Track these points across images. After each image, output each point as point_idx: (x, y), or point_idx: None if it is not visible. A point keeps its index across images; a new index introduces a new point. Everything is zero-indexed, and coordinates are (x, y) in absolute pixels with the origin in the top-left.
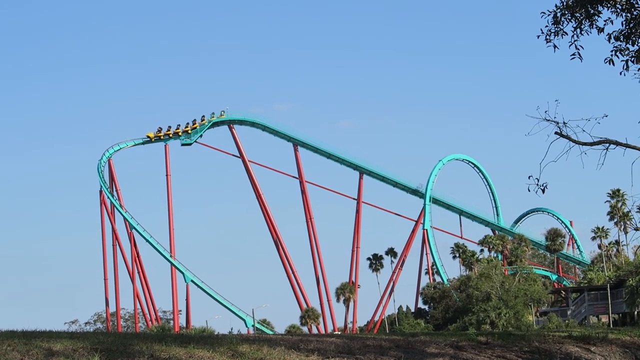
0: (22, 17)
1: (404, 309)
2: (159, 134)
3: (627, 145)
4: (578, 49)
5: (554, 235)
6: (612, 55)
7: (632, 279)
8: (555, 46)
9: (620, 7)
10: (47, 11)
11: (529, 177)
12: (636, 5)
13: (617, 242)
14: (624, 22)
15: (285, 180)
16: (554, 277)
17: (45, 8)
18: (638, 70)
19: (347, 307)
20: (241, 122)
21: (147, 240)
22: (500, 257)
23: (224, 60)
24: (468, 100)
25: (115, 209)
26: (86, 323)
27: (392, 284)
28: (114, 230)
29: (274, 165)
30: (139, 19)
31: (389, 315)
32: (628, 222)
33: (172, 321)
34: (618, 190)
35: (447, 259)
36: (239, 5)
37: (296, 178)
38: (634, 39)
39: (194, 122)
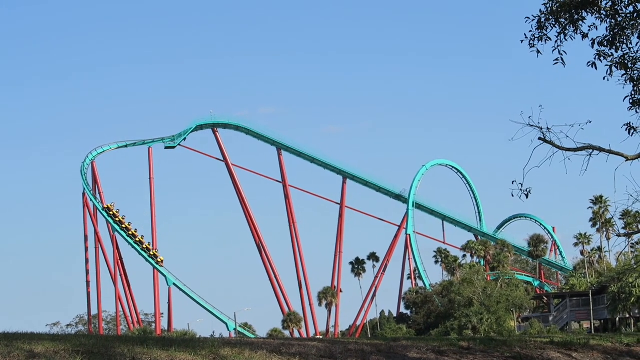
0: (4, 23)
1: (386, 313)
2: None
3: (610, 152)
4: (561, 54)
5: (536, 241)
6: (595, 58)
7: (614, 286)
8: (538, 51)
9: (604, 13)
10: (30, 16)
11: (513, 183)
12: (620, 12)
13: (600, 249)
14: (608, 28)
15: (268, 184)
16: (536, 283)
17: (29, 13)
18: (622, 76)
19: (329, 311)
20: (225, 126)
21: (130, 243)
22: (482, 262)
23: (210, 64)
24: (452, 106)
25: (98, 211)
26: (68, 325)
27: (374, 288)
28: (96, 233)
29: (257, 169)
30: (123, 24)
31: (371, 320)
32: (611, 229)
33: (154, 324)
34: (601, 197)
35: (430, 264)
36: (225, 9)
37: (280, 182)
38: (617, 44)
39: None
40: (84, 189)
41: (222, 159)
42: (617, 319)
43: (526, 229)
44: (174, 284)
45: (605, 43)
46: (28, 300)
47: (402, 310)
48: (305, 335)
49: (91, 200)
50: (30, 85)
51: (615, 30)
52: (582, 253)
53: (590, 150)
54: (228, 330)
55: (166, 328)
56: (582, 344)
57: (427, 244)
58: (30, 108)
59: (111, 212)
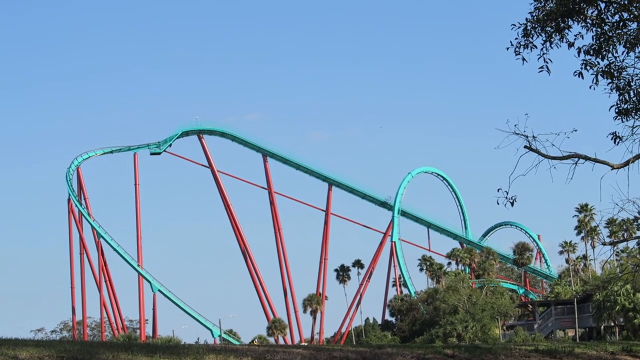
0: None
1: (371, 321)
2: None
3: (595, 160)
4: (547, 62)
5: (521, 249)
6: (581, 68)
7: (599, 294)
8: (523, 59)
9: (590, 22)
10: (13, 21)
11: (498, 190)
12: (606, 21)
13: (585, 257)
14: (594, 37)
15: (254, 191)
16: (521, 290)
17: (12, 18)
18: (607, 85)
19: (314, 318)
20: (210, 132)
21: (115, 249)
22: (467, 270)
23: (196, 70)
24: (438, 113)
25: (83, 217)
26: (52, 331)
27: (359, 295)
28: (81, 239)
29: (243, 175)
30: (108, 30)
31: (356, 327)
32: (596, 237)
33: (138, 330)
34: (586, 205)
35: (415, 271)
36: (211, 17)
37: (265, 189)
38: (603, 53)
39: None
40: (69, 195)
41: (208, 165)
42: (602, 327)
43: (511, 237)
44: (159, 290)
45: (592, 52)
46: (12, 306)
47: (387, 317)
48: (290, 342)
49: (76, 206)
50: (14, 90)
51: (601, 39)
52: (567, 261)
53: (576, 159)
54: (213, 336)
55: (151, 334)
56: (567, 352)
57: (412, 252)
58: (15, 113)
59: None
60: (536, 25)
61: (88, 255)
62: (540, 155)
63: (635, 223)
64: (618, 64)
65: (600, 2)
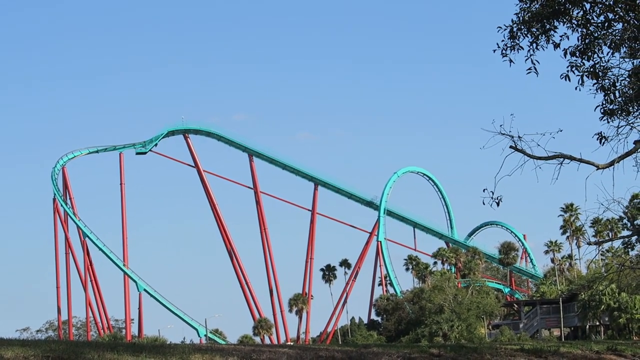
0: None
1: (357, 320)
2: None
3: (581, 160)
4: (534, 64)
5: (507, 249)
6: (568, 71)
7: (584, 293)
8: (511, 60)
9: (576, 23)
10: (2, 22)
11: (484, 190)
12: (592, 21)
13: (570, 256)
14: (579, 38)
15: (240, 191)
16: (506, 290)
17: (1, 19)
18: (593, 86)
19: (300, 317)
20: (196, 132)
21: (100, 249)
22: (453, 269)
23: (183, 70)
24: (424, 113)
25: (68, 217)
26: (38, 331)
27: (345, 295)
28: (67, 238)
29: (229, 175)
30: (95, 32)
31: (342, 327)
32: (581, 237)
33: (124, 330)
34: (571, 205)
35: (401, 271)
36: (198, 17)
37: (251, 188)
38: (589, 54)
39: None
40: (55, 194)
41: (194, 165)
42: (587, 326)
43: (497, 237)
44: (145, 289)
45: (578, 53)
46: None
47: (373, 317)
48: (275, 342)
49: (62, 205)
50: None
51: (587, 40)
52: (552, 261)
53: (561, 159)
54: (199, 336)
55: (136, 334)
56: (552, 351)
57: (398, 251)
58: (0, 112)
59: None
60: (522, 27)
61: (73, 254)
62: (525, 156)
63: (621, 223)
64: (603, 65)
65: (585, 3)
